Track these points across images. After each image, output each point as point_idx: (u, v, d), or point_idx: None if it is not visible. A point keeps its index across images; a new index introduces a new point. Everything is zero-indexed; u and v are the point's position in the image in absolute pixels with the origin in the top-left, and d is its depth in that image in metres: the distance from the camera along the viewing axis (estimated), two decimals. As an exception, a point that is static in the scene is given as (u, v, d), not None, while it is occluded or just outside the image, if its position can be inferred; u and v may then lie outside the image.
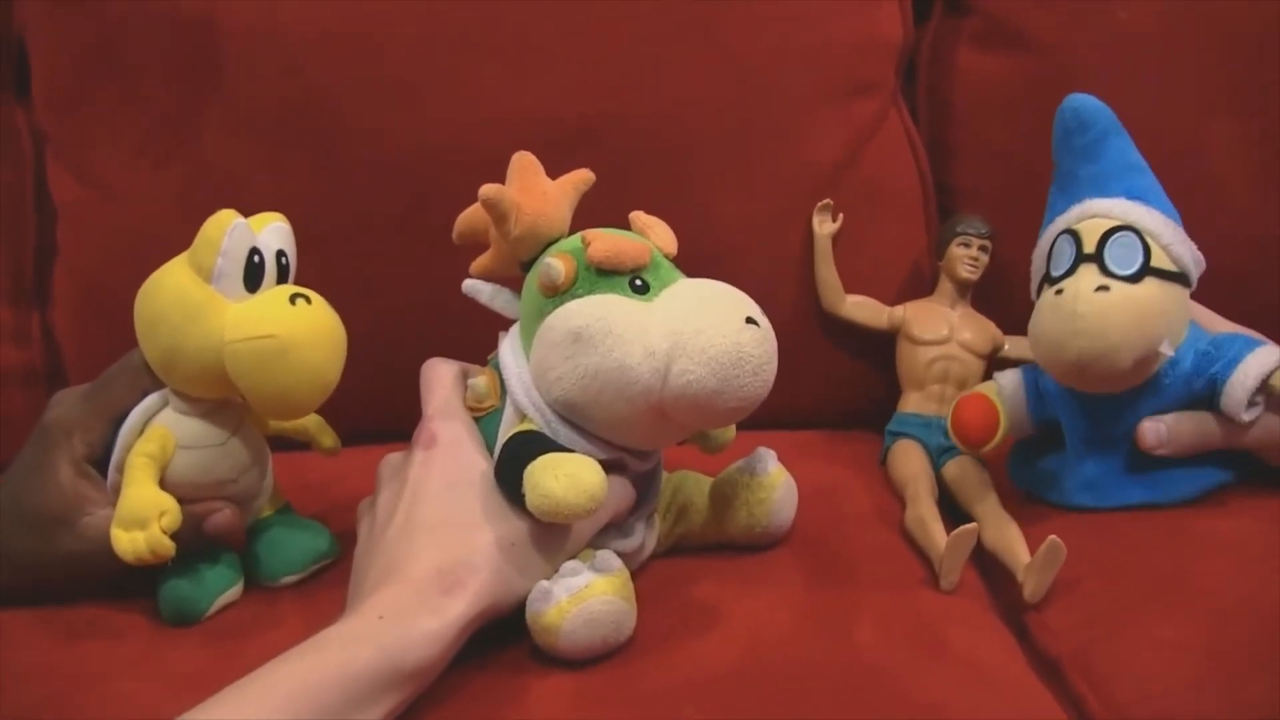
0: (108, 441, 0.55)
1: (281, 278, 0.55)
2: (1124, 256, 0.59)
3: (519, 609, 0.50)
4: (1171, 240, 0.60)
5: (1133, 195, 0.62)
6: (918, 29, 0.86)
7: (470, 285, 0.57)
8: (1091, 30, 0.80)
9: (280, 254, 0.55)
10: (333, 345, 0.54)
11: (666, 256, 0.55)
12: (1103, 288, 0.58)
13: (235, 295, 0.52)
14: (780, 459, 0.61)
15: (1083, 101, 0.63)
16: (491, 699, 0.48)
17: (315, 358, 0.53)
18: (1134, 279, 0.59)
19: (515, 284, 0.57)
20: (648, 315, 0.50)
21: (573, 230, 0.56)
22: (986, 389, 0.67)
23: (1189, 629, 0.52)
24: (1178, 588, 0.55)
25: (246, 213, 0.54)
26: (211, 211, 0.53)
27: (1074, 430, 0.65)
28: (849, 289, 0.80)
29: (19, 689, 0.49)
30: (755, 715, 0.47)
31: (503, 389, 0.54)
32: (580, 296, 0.51)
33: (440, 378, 0.57)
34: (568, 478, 0.48)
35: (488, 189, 0.53)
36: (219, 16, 0.75)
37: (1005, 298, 0.79)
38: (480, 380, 0.56)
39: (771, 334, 0.51)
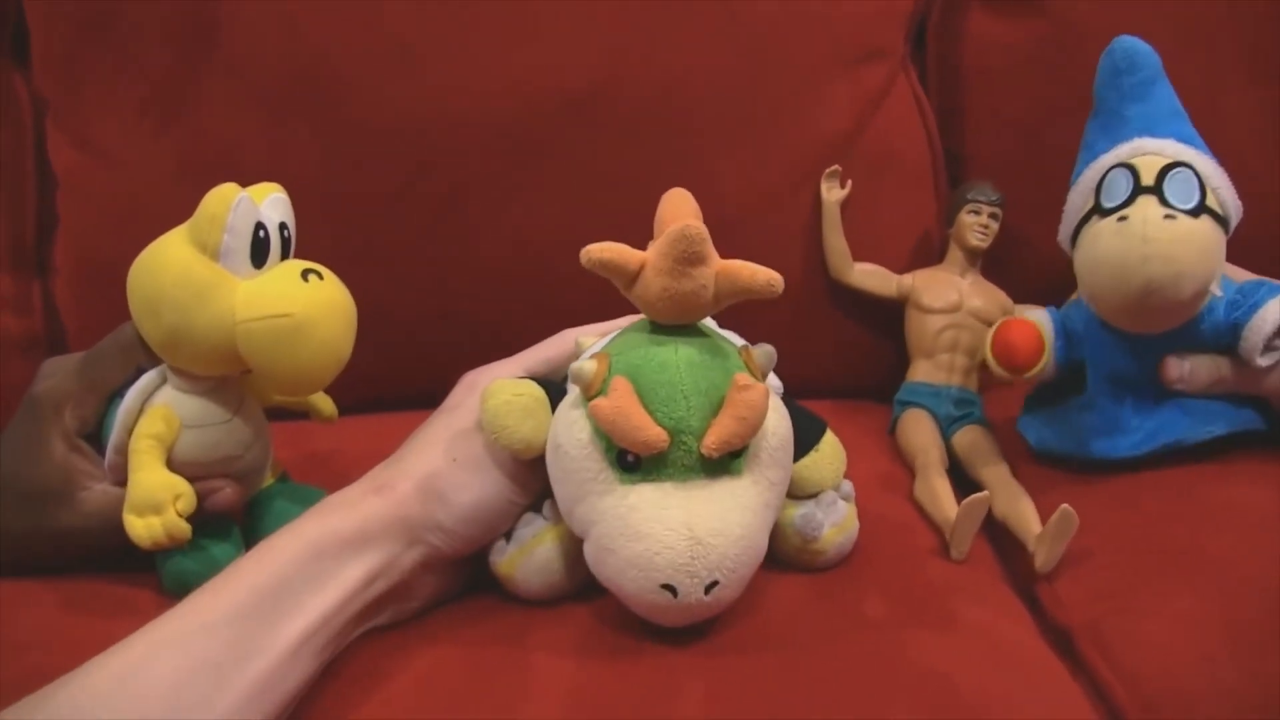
0: (99, 416, 0.55)
1: (284, 251, 0.54)
2: (1183, 191, 0.59)
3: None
4: (1220, 184, 0.61)
5: (1182, 139, 0.62)
6: (928, -8, 0.84)
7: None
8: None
9: (282, 226, 0.54)
10: (346, 321, 0.54)
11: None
12: (1170, 216, 0.58)
13: (243, 272, 0.51)
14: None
15: (1133, 43, 0.63)
16: (498, 650, 0.49)
17: (330, 334, 0.52)
18: (1193, 214, 0.58)
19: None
20: (598, 492, 0.48)
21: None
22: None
23: (1203, 601, 0.52)
24: (1192, 558, 0.55)
25: (245, 180, 0.52)
26: (211, 178, 0.51)
27: (1100, 371, 0.64)
28: (857, 257, 0.79)
29: (20, 658, 0.49)
30: (760, 686, 0.47)
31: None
32: (594, 400, 0.47)
33: (551, 341, 0.58)
34: (518, 400, 0.50)
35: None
36: (218, -21, 0.74)
37: (1015, 266, 0.79)
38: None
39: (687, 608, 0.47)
